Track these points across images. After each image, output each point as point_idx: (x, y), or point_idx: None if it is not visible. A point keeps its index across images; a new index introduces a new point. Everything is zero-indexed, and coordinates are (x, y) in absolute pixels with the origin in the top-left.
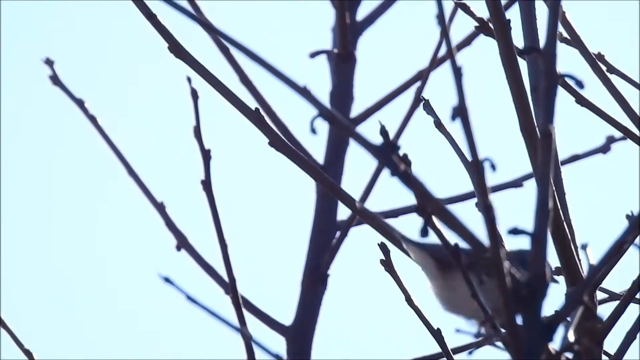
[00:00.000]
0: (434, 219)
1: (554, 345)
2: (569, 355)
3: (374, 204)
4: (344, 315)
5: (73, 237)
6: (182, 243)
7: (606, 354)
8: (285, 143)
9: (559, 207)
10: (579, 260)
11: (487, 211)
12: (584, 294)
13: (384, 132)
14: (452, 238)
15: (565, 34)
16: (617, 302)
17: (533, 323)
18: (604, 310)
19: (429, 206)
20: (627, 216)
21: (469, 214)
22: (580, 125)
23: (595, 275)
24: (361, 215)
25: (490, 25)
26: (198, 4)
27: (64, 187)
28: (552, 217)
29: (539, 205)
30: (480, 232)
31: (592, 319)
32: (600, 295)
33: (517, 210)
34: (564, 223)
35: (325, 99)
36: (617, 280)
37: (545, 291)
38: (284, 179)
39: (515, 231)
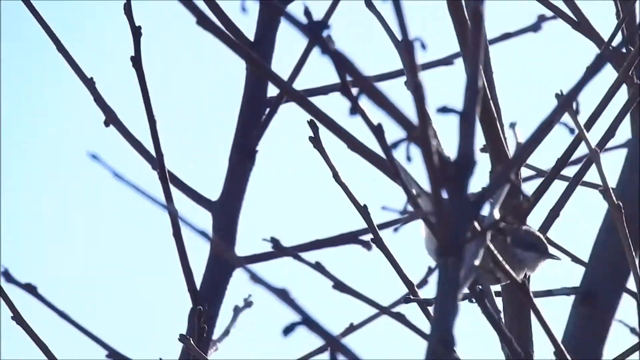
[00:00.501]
0: (363, 97)
1: (480, 222)
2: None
3: (303, 83)
4: (271, 192)
5: None
6: (111, 119)
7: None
8: (212, 22)
9: (486, 86)
10: (505, 139)
11: (417, 90)
12: (510, 172)
13: (307, 13)
14: (381, 117)
15: None
16: (542, 179)
17: (459, 201)
18: (529, 187)
19: (358, 84)
20: (557, 95)
21: (398, 92)
22: (511, 5)
23: (523, 154)
24: (288, 94)
25: None
26: None
27: None
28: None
29: (468, 84)
30: (410, 110)
31: (518, 196)
32: (525, 172)
33: (446, 89)
34: (491, 102)
35: None
36: (540, 157)
37: (472, 170)
38: (215, 56)
39: (444, 110)
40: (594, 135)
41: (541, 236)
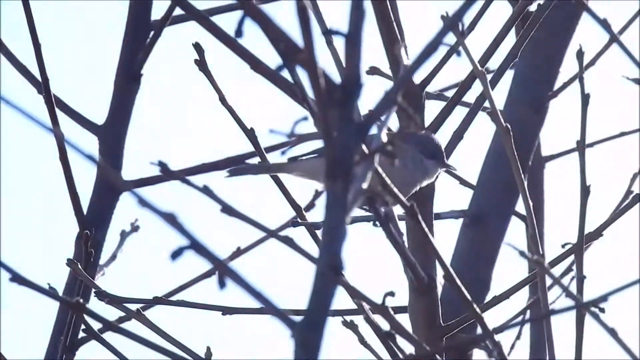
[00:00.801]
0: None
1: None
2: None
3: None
4: (158, 115)
5: None
6: None
7: None
8: None
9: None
10: (404, 59)
11: (302, 12)
12: (397, 94)
13: None
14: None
15: None
16: (444, 103)
17: (346, 123)
18: (433, 113)
19: (243, 7)
20: (442, 17)
21: (283, 15)
22: None
23: (409, 76)
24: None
25: None
26: None
27: None
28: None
29: (354, 5)
30: (295, 33)
31: (408, 119)
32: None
33: (334, 12)
34: (394, 23)
35: None
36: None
37: (358, 92)
38: None
39: (329, 32)
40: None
41: (440, 144)
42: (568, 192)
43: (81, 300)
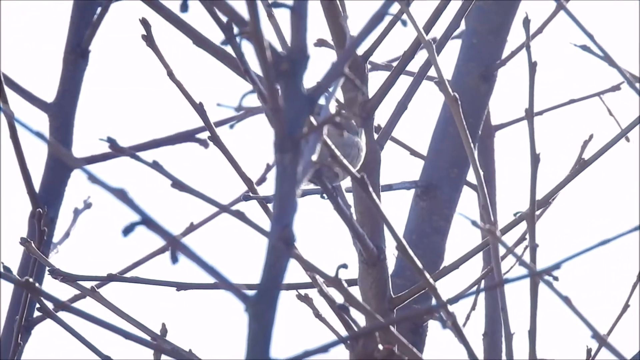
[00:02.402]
0: None
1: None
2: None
3: None
4: (107, 92)
5: None
6: None
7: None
8: None
9: None
10: (349, 30)
11: None
12: (344, 65)
13: None
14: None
15: None
16: (388, 73)
17: (294, 95)
18: (377, 83)
19: None
20: None
21: None
22: None
23: (355, 47)
24: None
25: None
26: None
27: None
28: None
29: None
30: (241, 7)
31: (355, 90)
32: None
33: None
34: None
35: None
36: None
37: (305, 64)
38: None
39: (274, 4)
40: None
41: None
42: (520, 160)
43: (30, 280)
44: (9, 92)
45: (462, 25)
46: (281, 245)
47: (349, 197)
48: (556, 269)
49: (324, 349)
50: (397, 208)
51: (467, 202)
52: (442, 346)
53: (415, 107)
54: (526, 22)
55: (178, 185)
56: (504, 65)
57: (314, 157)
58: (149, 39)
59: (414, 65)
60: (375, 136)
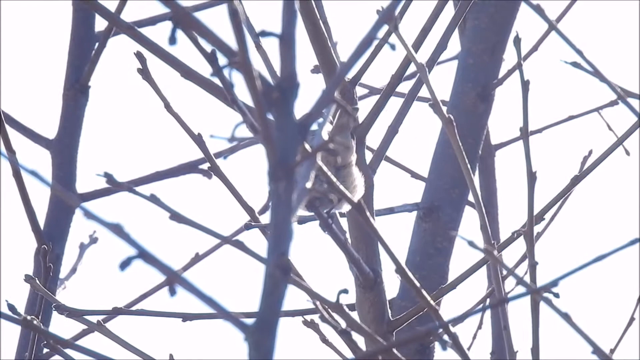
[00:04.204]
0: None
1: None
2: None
3: (130, 16)
4: (107, 125)
5: None
6: None
7: (369, 149)
8: None
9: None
10: (338, 59)
11: (234, 16)
12: (334, 92)
13: None
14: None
15: None
16: (378, 96)
17: (286, 123)
18: (367, 105)
19: (177, 15)
20: (377, 11)
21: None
22: None
23: (345, 72)
24: (117, 26)
25: None
26: None
27: None
28: (306, 15)
29: (285, 6)
30: (229, 38)
31: (346, 116)
32: (361, 91)
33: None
34: (320, 21)
35: None
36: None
37: (296, 92)
38: None
39: (263, 34)
40: (427, 51)
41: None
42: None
43: (29, 318)
44: (10, 130)
45: (458, 46)
46: (278, 273)
47: (344, 222)
48: (554, 286)
49: None
50: (398, 230)
51: (471, 222)
52: None
53: (414, 129)
54: (517, 42)
55: (176, 217)
56: (500, 85)
57: (309, 185)
58: (144, 72)
59: (405, 87)
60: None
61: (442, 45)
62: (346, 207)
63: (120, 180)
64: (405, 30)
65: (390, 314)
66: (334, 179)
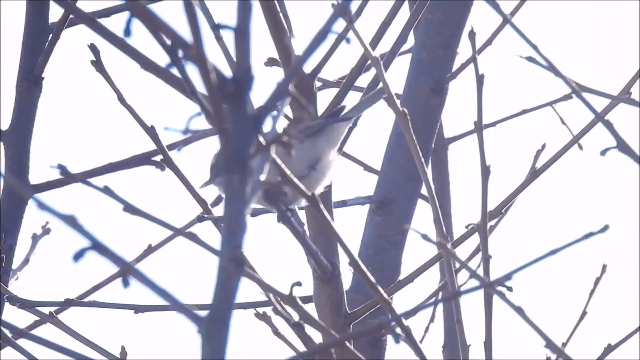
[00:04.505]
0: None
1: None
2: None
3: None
4: (60, 117)
5: None
6: None
7: None
8: None
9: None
10: (294, 50)
11: (188, 8)
12: (289, 84)
13: None
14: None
15: None
16: (337, 89)
17: (240, 116)
18: (326, 99)
19: (130, 7)
20: (332, 5)
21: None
22: None
23: (300, 65)
24: (75, 15)
25: None
26: None
27: None
28: (267, 9)
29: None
30: (183, 30)
31: (301, 109)
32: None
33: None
34: (280, 14)
35: None
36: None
37: (250, 85)
38: None
39: (218, 26)
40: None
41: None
42: (475, 172)
43: None
44: None
45: (412, 39)
46: (232, 266)
47: (302, 215)
48: (507, 279)
49: None
50: (352, 223)
51: (424, 215)
52: (403, 359)
53: (368, 122)
54: (472, 35)
55: (130, 209)
56: (454, 79)
57: (262, 177)
58: (98, 65)
59: (366, 81)
60: None
61: (402, 38)
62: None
63: (73, 171)
64: (367, 25)
65: (347, 307)
66: (288, 172)
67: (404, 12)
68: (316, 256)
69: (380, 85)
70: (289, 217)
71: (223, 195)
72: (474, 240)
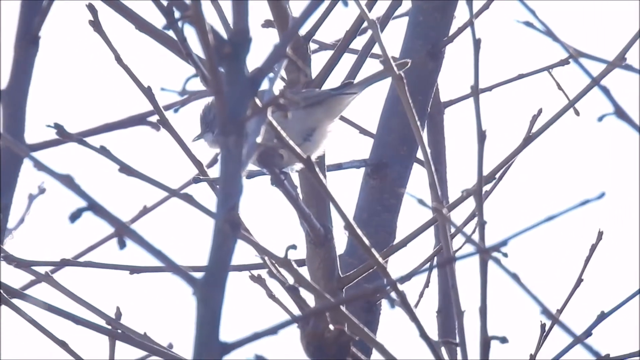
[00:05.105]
0: None
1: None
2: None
3: None
4: (57, 77)
5: None
6: None
7: None
8: None
9: None
10: (291, 12)
11: None
12: (286, 47)
13: None
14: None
15: None
16: (332, 51)
17: (237, 78)
18: (321, 61)
19: None
20: None
21: None
22: None
23: (297, 28)
24: None
25: None
26: None
27: None
28: None
29: None
30: None
31: (298, 71)
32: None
33: None
34: None
35: None
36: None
37: (248, 47)
38: None
39: None
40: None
41: (204, 114)
42: (471, 136)
43: None
44: None
45: (408, 3)
46: (227, 228)
47: (295, 178)
48: (503, 245)
49: (273, 330)
50: (347, 187)
51: (419, 179)
52: (397, 324)
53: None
54: None
55: (126, 169)
56: (451, 43)
57: (258, 139)
58: (95, 24)
59: (359, 44)
60: None
61: (397, 1)
62: (299, 165)
63: (70, 131)
64: None
65: (340, 271)
66: (284, 134)
67: None
68: (309, 219)
69: (381, 57)
70: (282, 180)
71: (211, 149)
72: (469, 205)
